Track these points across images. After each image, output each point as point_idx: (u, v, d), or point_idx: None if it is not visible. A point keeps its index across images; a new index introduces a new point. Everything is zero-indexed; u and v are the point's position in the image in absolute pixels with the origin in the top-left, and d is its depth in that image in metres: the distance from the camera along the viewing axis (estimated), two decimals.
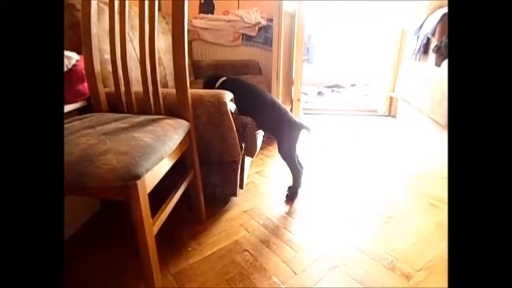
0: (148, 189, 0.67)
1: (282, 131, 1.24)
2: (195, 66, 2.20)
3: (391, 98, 2.72)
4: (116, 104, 0.97)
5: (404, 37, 2.51)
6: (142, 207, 0.63)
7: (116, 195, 0.63)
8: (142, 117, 0.87)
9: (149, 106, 0.94)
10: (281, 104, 1.29)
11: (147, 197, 0.65)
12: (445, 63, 1.81)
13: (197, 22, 2.26)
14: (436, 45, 1.92)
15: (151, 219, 0.67)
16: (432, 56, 1.96)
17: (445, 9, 1.92)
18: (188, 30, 2.28)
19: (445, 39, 1.88)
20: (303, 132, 1.26)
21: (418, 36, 2.17)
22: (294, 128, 1.24)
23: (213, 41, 2.29)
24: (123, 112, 0.96)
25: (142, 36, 0.88)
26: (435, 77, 1.78)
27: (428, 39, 2.03)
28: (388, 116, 2.76)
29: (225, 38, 2.27)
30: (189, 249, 1.00)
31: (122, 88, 0.94)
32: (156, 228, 0.71)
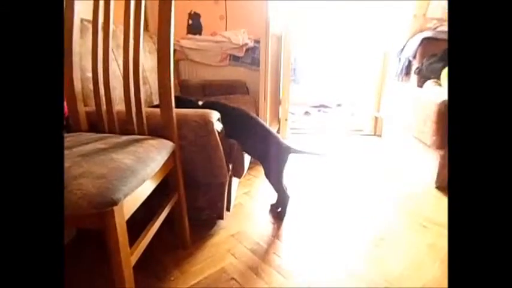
0: (127, 216, 0.62)
1: (268, 154, 1.21)
2: (183, 85, 2.18)
3: (376, 118, 2.77)
4: (96, 124, 0.93)
5: (386, 59, 2.60)
6: (119, 235, 0.58)
7: (91, 223, 0.57)
8: (124, 138, 0.83)
9: (132, 126, 0.90)
10: (267, 125, 1.27)
11: (125, 225, 0.60)
12: (427, 84, 1.87)
13: (185, 42, 2.27)
14: (418, 68, 1.99)
15: (129, 248, 0.62)
16: (414, 77, 2.03)
17: (425, 34, 2.02)
18: (176, 51, 2.28)
19: (425, 61, 1.95)
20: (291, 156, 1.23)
21: (400, 59, 2.25)
22: (281, 151, 1.21)
23: (200, 60, 2.29)
24: (104, 132, 0.91)
25: (126, 55, 0.86)
26: (418, 98, 1.83)
27: (409, 62, 2.10)
28: (374, 135, 2.80)
29: (212, 58, 2.29)
30: (172, 278, 0.93)
31: (104, 107, 0.91)
32: (134, 258, 0.65)
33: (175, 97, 1.42)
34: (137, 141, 0.80)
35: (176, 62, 2.32)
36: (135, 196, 0.64)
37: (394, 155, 2.19)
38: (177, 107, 0.95)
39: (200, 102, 1.26)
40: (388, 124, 2.48)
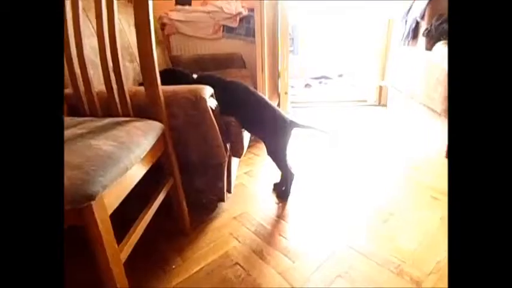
0: (111, 209, 0.55)
1: (270, 130, 1.13)
2: (175, 61, 2.05)
3: (381, 87, 2.64)
4: (76, 107, 0.84)
5: (391, 25, 2.43)
6: (103, 232, 0.51)
7: (69, 220, 0.50)
8: (106, 121, 0.74)
9: (115, 107, 0.81)
10: (267, 99, 1.17)
11: (108, 219, 0.53)
12: (436, 46, 1.74)
13: (174, 15, 2.11)
14: (426, 29, 1.84)
15: (116, 245, 0.55)
16: (422, 40, 1.88)
17: None
18: (165, 24, 2.13)
19: (435, 22, 1.80)
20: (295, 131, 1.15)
21: (406, 21, 2.09)
22: (284, 126, 1.13)
23: (192, 34, 2.14)
24: (84, 116, 0.83)
25: (100, 25, 0.75)
26: (427, 62, 1.70)
27: (417, 23, 1.95)
28: (379, 105, 2.69)
29: (204, 30, 2.13)
30: (173, 266, 0.88)
31: (81, 87, 0.81)
32: (124, 254, 0.59)
33: (169, 70, 1.31)
34: (120, 124, 0.71)
35: (166, 37, 2.17)
36: (118, 186, 0.56)
37: (401, 125, 2.10)
38: (169, 80, 0.85)
39: (195, 76, 1.16)
40: (394, 93, 2.37)
